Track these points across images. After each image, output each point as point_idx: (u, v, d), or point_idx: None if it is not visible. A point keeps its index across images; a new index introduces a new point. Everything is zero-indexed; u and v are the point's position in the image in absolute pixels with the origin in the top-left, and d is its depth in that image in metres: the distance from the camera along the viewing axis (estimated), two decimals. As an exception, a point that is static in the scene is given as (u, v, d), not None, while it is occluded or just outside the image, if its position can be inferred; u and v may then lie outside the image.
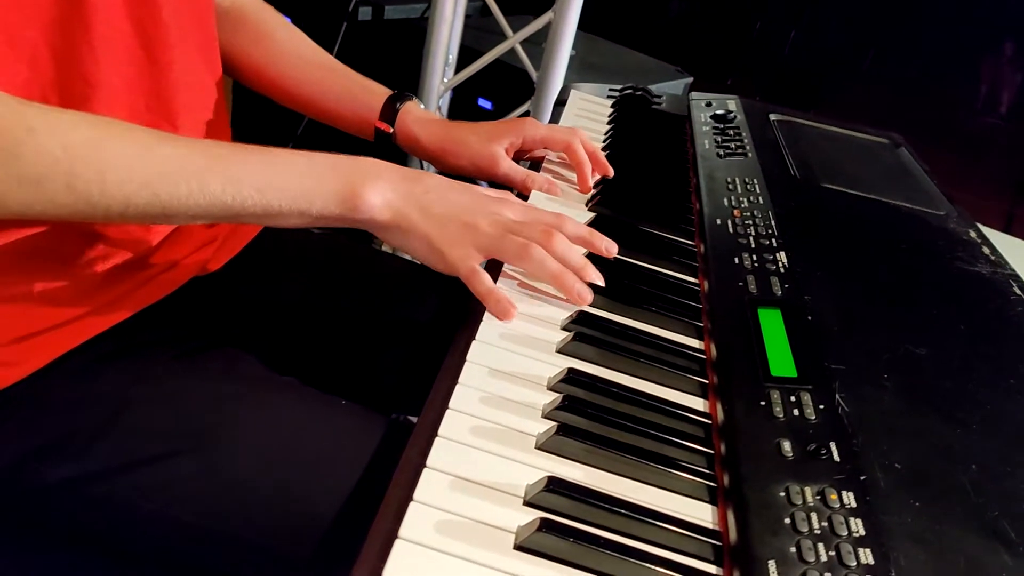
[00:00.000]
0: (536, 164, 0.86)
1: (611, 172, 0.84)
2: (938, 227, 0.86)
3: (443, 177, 0.63)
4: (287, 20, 0.87)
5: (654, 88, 2.14)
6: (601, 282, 0.63)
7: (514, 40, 1.74)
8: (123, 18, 0.62)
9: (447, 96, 1.85)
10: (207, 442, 0.61)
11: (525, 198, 0.77)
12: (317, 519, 0.59)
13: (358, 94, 0.82)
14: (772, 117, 1.09)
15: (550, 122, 1.05)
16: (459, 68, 1.81)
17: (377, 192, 0.59)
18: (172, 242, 0.70)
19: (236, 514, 0.60)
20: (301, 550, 0.59)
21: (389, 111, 0.80)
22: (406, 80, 1.80)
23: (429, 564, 0.40)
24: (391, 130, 0.81)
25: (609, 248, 0.67)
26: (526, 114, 1.81)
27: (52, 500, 0.60)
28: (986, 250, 0.82)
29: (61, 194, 0.51)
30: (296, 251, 0.65)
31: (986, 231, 0.87)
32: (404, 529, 0.41)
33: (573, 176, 0.85)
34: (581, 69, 2.04)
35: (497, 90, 1.94)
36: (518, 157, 0.84)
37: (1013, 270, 0.79)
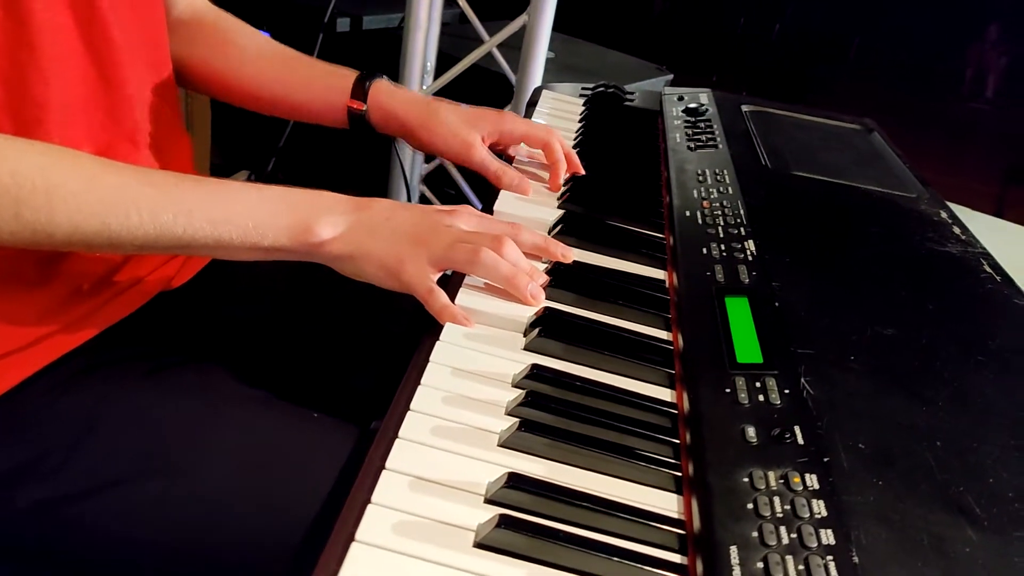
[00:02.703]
0: (506, 160, 0.86)
1: (581, 171, 0.84)
2: (909, 209, 0.86)
3: (393, 200, 0.63)
4: (244, 23, 0.86)
5: (634, 87, 2.15)
6: (543, 299, 0.63)
7: (491, 44, 1.75)
8: (72, 38, 0.61)
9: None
10: (178, 460, 0.61)
11: (496, 192, 0.77)
12: (291, 532, 0.58)
13: (325, 79, 0.81)
14: (744, 108, 1.09)
15: (530, 112, 1.05)
16: (438, 75, 1.81)
17: (328, 225, 0.58)
18: (136, 258, 0.69)
19: (210, 532, 0.60)
20: (276, 565, 0.59)
21: (359, 91, 0.79)
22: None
23: (386, 566, 0.40)
24: (364, 107, 0.80)
25: (565, 254, 0.67)
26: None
27: (23, 523, 0.60)
28: (956, 230, 0.82)
29: (9, 222, 0.51)
30: (264, 264, 0.65)
31: (976, 215, 0.87)
32: (360, 531, 0.41)
33: (543, 174, 0.85)
34: (560, 70, 2.04)
35: (477, 95, 1.93)
36: (491, 150, 0.84)
37: (984, 248, 0.79)
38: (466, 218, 0.64)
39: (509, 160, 0.87)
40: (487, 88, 1.86)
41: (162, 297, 0.73)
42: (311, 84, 0.81)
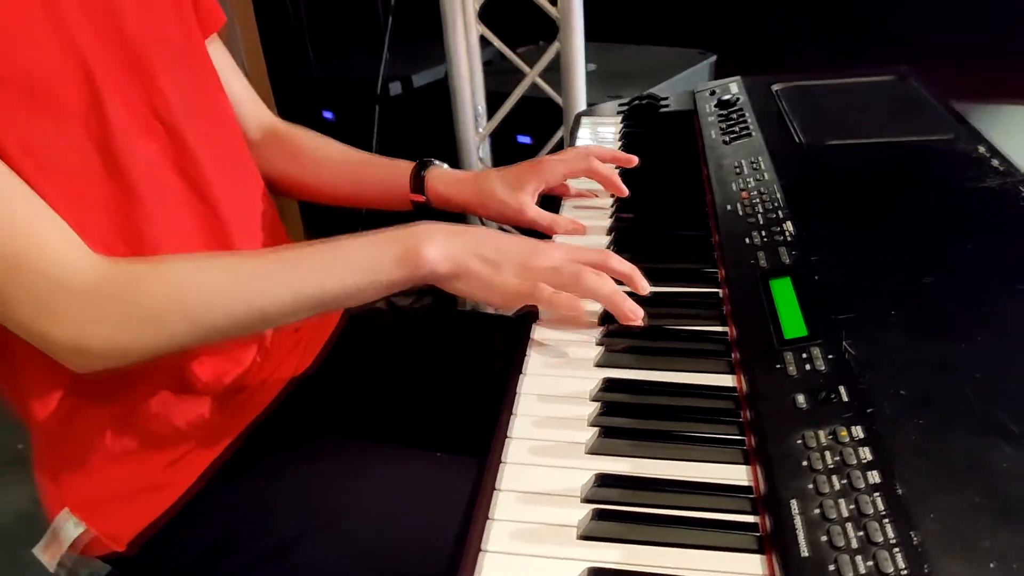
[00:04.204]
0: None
1: (635, 160, 0.94)
2: (945, 152, 0.89)
3: (487, 228, 0.73)
4: (311, 132, 0.99)
5: (679, 77, 2.19)
6: (643, 315, 0.69)
7: (532, 75, 1.84)
8: (170, 176, 0.73)
9: (487, 142, 1.96)
10: (336, 517, 0.72)
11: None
12: (437, 558, 0.69)
13: (388, 176, 0.92)
14: (775, 88, 1.14)
15: (573, 139, 1.14)
16: (490, 113, 1.92)
17: (433, 247, 0.69)
18: (268, 354, 0.83)
19: (369, 571, 0.71)
20: None
21: (417, 183, 0.91)
22: (447, 137, 1.92)
23: (511, 568, 0.49)
24: (423, 199, 0.91)
25: (646, 287, 0.73)
26: (562, 140, 1.91)
27: None
28: (995, 162, 0.85)
29: (179, 325, 0.64)
30: (371, 333, 0.75)
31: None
32: (487, 544, 0.51)
33: (599, 187, 0.94)
34: (603, 80, 2.11)
35: (531, 123, 2.03)
36: (546, 195, 0.93)
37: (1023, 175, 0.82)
38: (559, 246, 0.73)
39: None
40: (539, 114, 1.95)
41: (294, 383, 0.86)
42: (376, 182, 0.93)
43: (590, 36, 1.82)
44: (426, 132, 2.11)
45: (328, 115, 2.43)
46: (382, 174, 0.93)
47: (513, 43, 1.94)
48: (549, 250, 0.71)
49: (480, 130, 1.88)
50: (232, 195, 0.79)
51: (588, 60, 1.80)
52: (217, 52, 0.87)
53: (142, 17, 0.71)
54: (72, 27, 0.65)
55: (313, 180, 0.95)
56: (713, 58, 2.27)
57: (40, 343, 0.62)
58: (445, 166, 0.93)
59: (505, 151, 2.05)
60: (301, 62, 2.44)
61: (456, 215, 0.90)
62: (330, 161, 0.95)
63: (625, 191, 0.91)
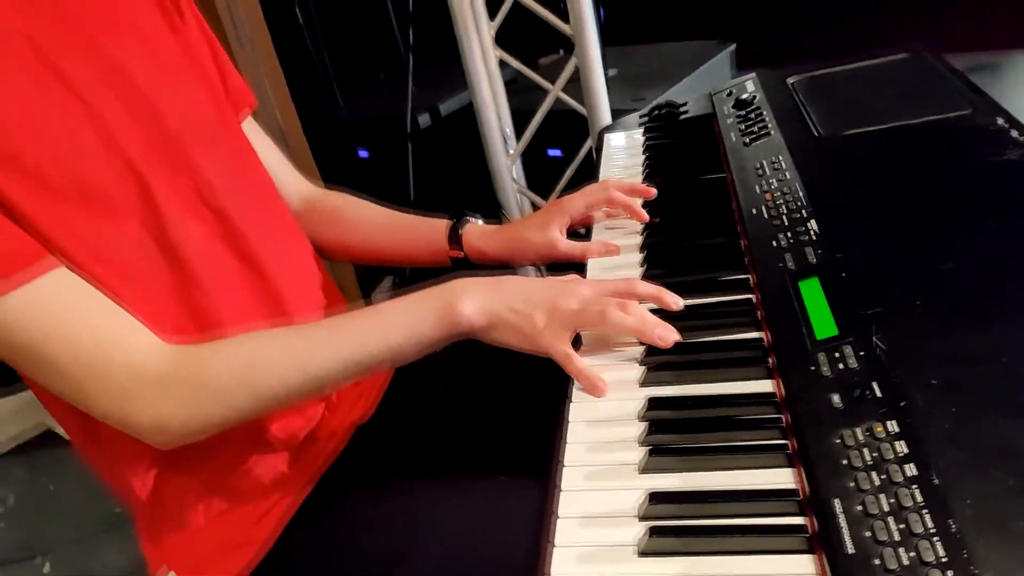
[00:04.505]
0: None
1: (653, 192, 0.96)
2: (964, 128, 0.90)
3: (518, 276, 0.77)
4: (350, 196, 1.05)
5: (702, 70, 2.19)
6: (676, 336, 0.72)
7: (555, 91, 1.87)
8: (223, 255, 0.79)
9: (518, 162, 2.00)
10: (415, 549, 0.77)
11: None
12: None
13: (427, 236, 0.98)
14: (790, 81, 1.16)
15: (597, 165, 1.18)
16: (518, 131, 1.96)
17: (468, 303, 0.73)
18: (334, 406, 0.88)
19: None
20: None
21: (455, 239, 0.96)
22: (479, 162, 1.97)
23: (577, 589, 0.53)
24: (461, 254, 0.96)
25: (677, 302, 0.75)
26: (591, 151, 1.94)
27: None
28: (1014, 133, 0.86)
29: (244, 400, 0.70)
30: (423, 368, 0.80)
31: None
32: (553, 569, 0.55)
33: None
34: (625, 84, 2.14)
35: (559, 136, 2.07)
36: (572, 229, 0.97)
37: (1044, 142, 0.83)
38: (587, 284, 0.77)
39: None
40: (566, 126, 1.97)
41: (360, 430, 0.91)
42: (416, 242, 0.99)
43: (606, 41, 1.84)
44: (459, 158, 2.16)
45: (363, 153, 2.51)
46: (421, 234, 0.99)
47: (533, 55, 1.97)
48: (575, 290, 0.75)
49: (511, 152, 1.92)
50: (282, 263, 0.85)
51: (608, 66, 1.82)
52: (250, 129, 0.93)
53: (179, 109, 0.77)
54: (116, 131, 0.71)
55: (355, 245, 1.01)
56: (732, 46, 2.28)
57: (123, 427, 0.69)
58: (479, 220, 0.98)
59: (537, 167, 2.09)
60: (331, 106, 2.52)
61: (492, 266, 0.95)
62: (370, 225, 1.01)
63: (646, 217, 0.94)
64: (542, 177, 2.03)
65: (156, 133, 0.75)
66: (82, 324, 0.65)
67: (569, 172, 1.93)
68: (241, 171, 0.85)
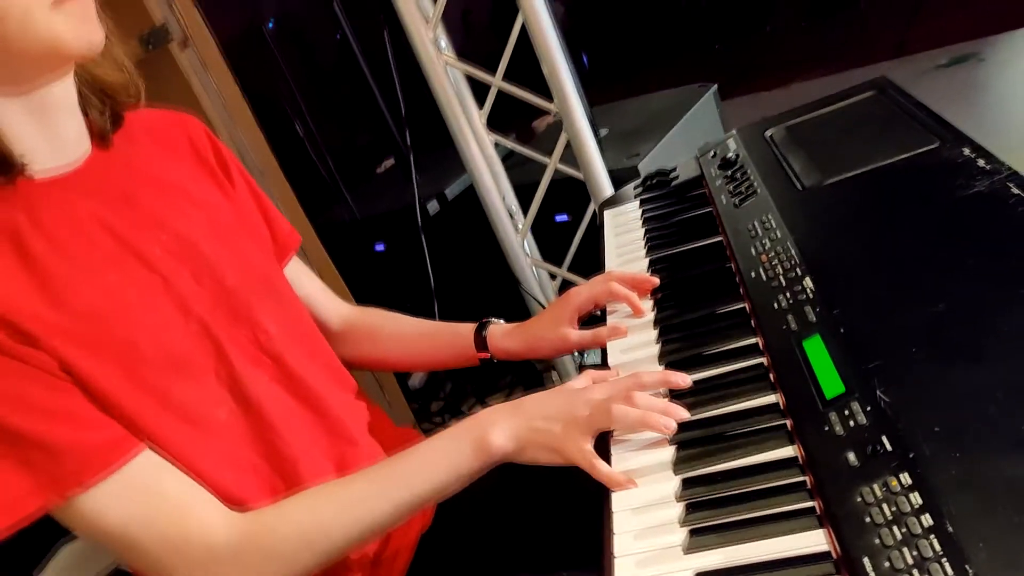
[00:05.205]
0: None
1: (655, 282, 1.02)
2: (932, 163, 0.96)
3: (537, 393, 0.84)
4: (382, 312, 1.13)
5: (688, 115, 2.26)
6: (686, 415, 0.78)
7: (553, 163, 1.95)
8: (285, 397, 0.87)
9: (529, 235, 2.07)
10: None
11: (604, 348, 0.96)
12: None
13: (455, 341, 1.06)
14: (767, 134, 1.23)
15: (601, 240, 1.25)
16: (524, 204, 2.03)
17: (497, 432, 0.80)
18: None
19: None
20: None
21: (480, 342, 1.03)
22: (491, 240, 2.04)
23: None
24: (488, 355, 1.04)
25: (685, 380, 0.82)
26: (595, 214, 2.01)
27: None
28: (980, 162, 0.91)
29: (308, 559, 0.76)
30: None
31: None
32: (621, 660, 0.60)
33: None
34: (618, 141, 2.22)
35: (564, 202, 2.14)
36: (584, 317, 1.04)
37: (1010, 168, 0.88)
38: (598, 387, 0.83)
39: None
40: (569, 192, 2.04)
41: (424, 540, 0.97)
42: (445, 349, 1.07)
43: (594, 101, 1.90)
44: (472, 238, 2.23)
45: (379, 247, 2.60)
46: (450, 341, 1.07)
47: (526, 120, 2.03)
48: (587, 396, 0.80)
49: (519, 227, 2.00)
50: (333, 397, 0.92)
51: (599, 125, 1.88)
52: (294, 264, 1.02)
53: (236, 267, 0.86)
54: (188, 297, 0.79)
55: (393, 358, 1.10)
56: (714, 87, 2.35)
57: None
58: (502, 322, 1.06)
59: (547, 233, 2.14)
60: (342, 208, 2.63)
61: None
62: (405, 339, 1.09)
63: (643, 311, 0.99)
64: (552, 243, 2.10)
65: (219, 292, 0.83)
66: (162, 502, 0.72)
67: (577, 237, 2.00)
68: (288, 316, 0.93)
